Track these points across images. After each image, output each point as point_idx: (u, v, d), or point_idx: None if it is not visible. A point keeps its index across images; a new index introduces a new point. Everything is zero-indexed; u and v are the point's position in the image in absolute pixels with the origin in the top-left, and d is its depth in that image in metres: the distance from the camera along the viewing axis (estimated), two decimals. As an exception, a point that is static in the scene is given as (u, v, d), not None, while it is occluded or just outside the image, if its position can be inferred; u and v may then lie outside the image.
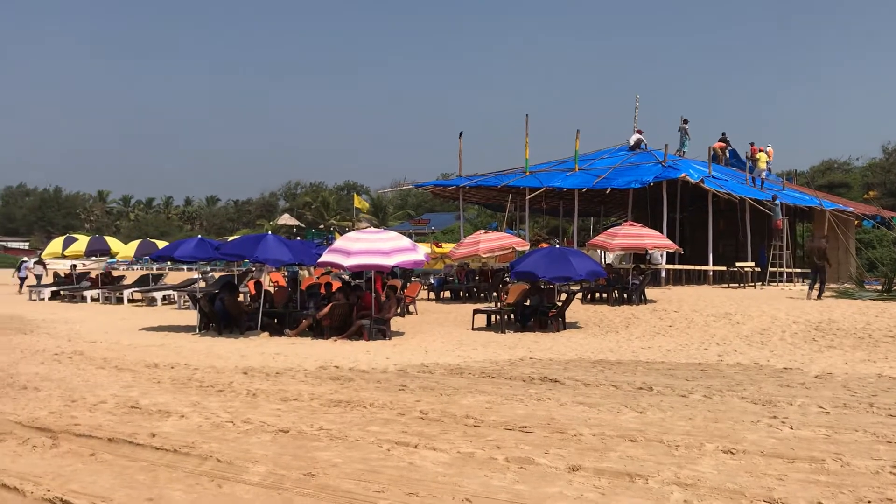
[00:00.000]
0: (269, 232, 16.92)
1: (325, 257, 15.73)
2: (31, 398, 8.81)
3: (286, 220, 76.41)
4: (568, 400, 8.45)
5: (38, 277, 30.68)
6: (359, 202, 45.71)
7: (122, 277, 30.83)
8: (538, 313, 16.18)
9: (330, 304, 15.35)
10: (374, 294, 15.30)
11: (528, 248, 23.52)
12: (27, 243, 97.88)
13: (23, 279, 31.39)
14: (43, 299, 27.18)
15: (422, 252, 16.97)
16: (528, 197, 27.30)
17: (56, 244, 30.61)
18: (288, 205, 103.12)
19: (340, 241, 16.39)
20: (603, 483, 5.45)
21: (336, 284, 18.42)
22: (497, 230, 27.97)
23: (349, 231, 22.87)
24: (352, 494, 5.24)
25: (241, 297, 17.85)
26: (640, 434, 6.81)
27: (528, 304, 16.49)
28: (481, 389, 9.17)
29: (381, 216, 75.07)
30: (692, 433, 6.86)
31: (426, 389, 9.21)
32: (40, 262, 31.30)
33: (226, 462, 6.02)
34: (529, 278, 16.41)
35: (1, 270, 48.95)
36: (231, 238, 33.52)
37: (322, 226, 66.94)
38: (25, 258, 31.37)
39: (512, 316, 16.78)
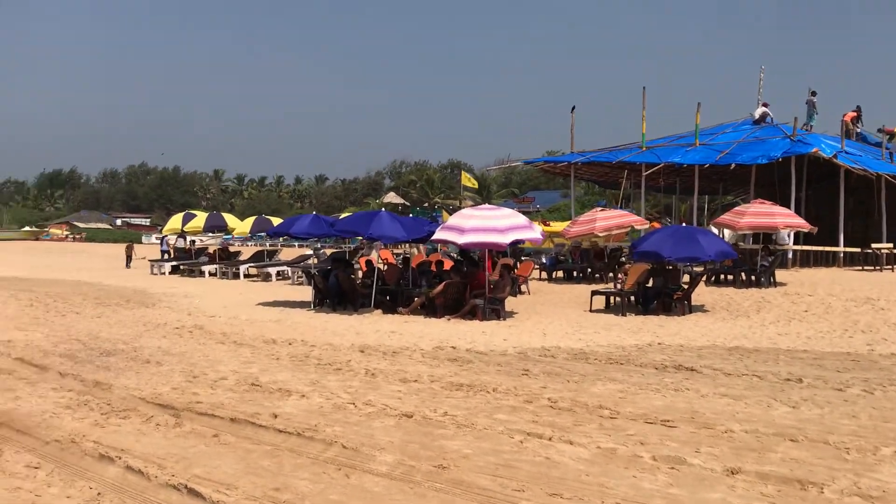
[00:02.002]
0: (380, 209, 16.74)
1: (440, 234, 15.39)
2: (153, 373, 8.82)
3: (392, 198, 76.71)
4: (709, 391, 7.76)
5: (178, 251, 31.65)
6: (467, 179, 44.66)
7: (237, 253, 31.57)
8: (662, 295, 15.32)
9: (444, 283, 15.00)
10: (485, 272, 14.84)
11: (647, 226, 22.52)
12: (148, 220, 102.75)
13: (164, 252, 32.48)
14: (164, 273, 28.11)
15: (538, 230, 16.39)
16: (644, 173, 26.14)
17: (176, 220, 31.61)
18: (393, 183, 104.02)
19: (454, 219, 15.97)
20: (770, 490, 4.82)
21: (448, 263, 18.08)
22: (605, 208, 26.86)
23: (456, 209, 22.43)
24: (489, 492, 4.80)
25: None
26: (799, 433, 6.11)
27: (650, 285, 15.66)
28: (611, 377, 8.58)
29: (484, 194, 74.45)
30: (860, 434, 6.11)
31: (551, 375, 8.70)
32: (182, 236, 32.15)
33: (351, 448, 5.70)
34: (654, 258, 15.51)
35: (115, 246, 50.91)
36: (342, 215, 33.76)
37: (427, 204, 66.92)
38: (169, 234, 32.43)
39: (633, 298, 15.97)
